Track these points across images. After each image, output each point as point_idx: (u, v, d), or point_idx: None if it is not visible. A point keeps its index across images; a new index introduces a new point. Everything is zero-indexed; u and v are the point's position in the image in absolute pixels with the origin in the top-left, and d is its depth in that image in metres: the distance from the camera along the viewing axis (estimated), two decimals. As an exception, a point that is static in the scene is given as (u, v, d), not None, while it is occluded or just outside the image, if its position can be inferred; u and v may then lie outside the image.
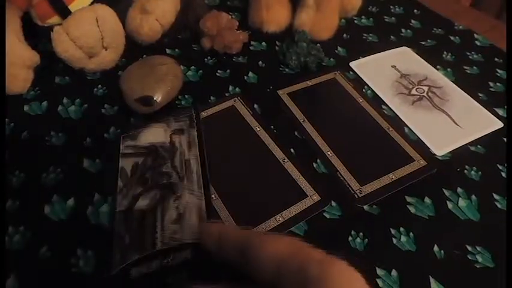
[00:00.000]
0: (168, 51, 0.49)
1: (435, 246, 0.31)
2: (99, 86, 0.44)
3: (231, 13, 0.53)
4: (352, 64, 0.48)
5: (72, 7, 0.44)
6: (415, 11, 0.58)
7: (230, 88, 0.44)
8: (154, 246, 0.28)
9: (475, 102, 0.44)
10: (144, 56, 0.46)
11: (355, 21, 0.56)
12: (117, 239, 0.30)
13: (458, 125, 0.41)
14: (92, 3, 0.45)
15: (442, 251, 0.31)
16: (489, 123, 0.41)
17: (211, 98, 0.43)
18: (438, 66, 0.48)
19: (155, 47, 0.49)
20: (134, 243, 0.29)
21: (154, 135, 0.36)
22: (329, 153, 0.37)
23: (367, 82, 0.46)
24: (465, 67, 0.48)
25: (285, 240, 0.22)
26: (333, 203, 0.34)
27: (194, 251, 0.29)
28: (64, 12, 0.44)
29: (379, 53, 0.50)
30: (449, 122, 0.41)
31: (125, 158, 0.35)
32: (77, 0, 0.45)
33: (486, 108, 0.43)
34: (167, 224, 0.30)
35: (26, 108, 0.41)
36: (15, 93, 0.42)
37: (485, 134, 0.40)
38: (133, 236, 0.29)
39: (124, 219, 0.31)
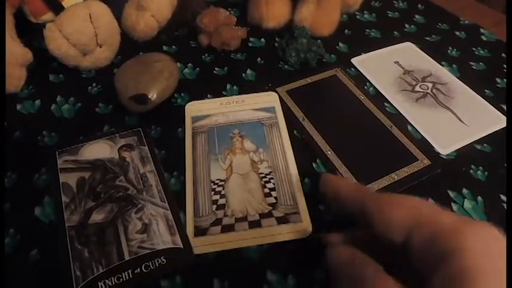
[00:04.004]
0: (164, 48, 0.48)
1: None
2: (94, 84, 0.43)
3: (229, 9, 0.52)
4: (354, 60, 0.47)
5: (65, 3, 0.43)
6: (419, 5, 0.56)
7: (228, 86, 0.43)
8: (122, 258, 0.28)
9: (481, 99, 0.42)
10: (141, 53, 0.45)
11: (357, 17, 0.54)
12: (73, 255, 0.29)
13: (463, 123, 0.39)
14: (86, -1, 0.44)
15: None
16: (496, 120, 0.40)
17: (208, 96, 0.42)
18: (443, 62, 0.47)
19: (152, 43, 0.48)
20: (95, 257, 0.28)
21: (99, 150, 0.36)
22: (329, 152, 0.36)
23: (369, 79, 0.44)
24: (471, 63, 0.47)
25: (407, 205, 0.22)
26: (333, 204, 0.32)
27: (168, 256, 0.28)
28: (57, 9, 0.43)
29: (381, 49, 0.48)
30: (454, 119, 0.40)
31: (65, 173, 0.34)
32: (71, -4, 0.44)
33: (493, 105, 0.41)
34: (132, 234, 0.29)
35: (18, 107, 0.40)
36: (8, 92, 0.41)
37: (492, 131, 0.39)
38: (93, 249, 0.29)
39: (77, 234, 0.30)
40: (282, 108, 0.40)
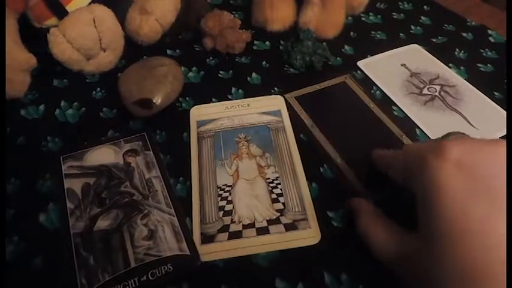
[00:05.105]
0: (169, 52, 0.48)
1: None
2: (98, 88, 0.43)
3: (233, 12, 0.51)
4: (360, 63, 0.46)
5: (69, 8, 0.43)
6: (425, 7, 0.56)
7: (233, 90, 0.43)
8: (128, 265, 0.28)
9: (491, 101, 0.41)
10: (145, 57, 0.45)
11: (363, 19, 0.54)
12: (79, 262, 0.28)
13: (473, 126, 0.39)
14: (90, 3, 0.43)
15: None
16: (506, 123, 0.39)
17: (213, 99, 0.41)
18: (450, 65, 0.46)
19: (156, 47, 0.48)
20: (101, 264, 0.28)
21: (104, 156, 0.35)
22: (338, 160, 0.35)
23: (375, 82, 0.44)
24: (479, 65, 0.46)
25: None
26: (342, 210, 0.32)
27: (175, 263, 0.28)
28: (61, 14, 0.43)
29: (388, 51, 0.48)
30: (463, 122, 0.39)
31: (70, 179, 0.33)
32: (74, 0, 0.43)
33: (502, 108, 0.41)
34: (138, 241, 0.29)
35: (22, 112, 0.40)
36: (12, 97, 0.41)
37: (502, 134, 0.38)
38: (99, 257, 0.28)
39: (83, 242, 0.29)
40: (288, 112, 0.40)
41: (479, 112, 0.40)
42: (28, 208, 0.32)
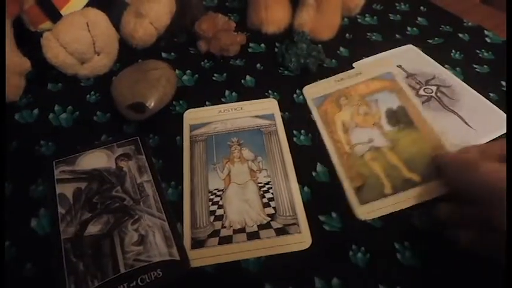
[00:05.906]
0: (163, 55, 0.48)
1: (443, 261, 0.29)
2: (92, 92, 0.43)
3: (229, 14, 0.51)
4: (356, 65, 0.46)
5: (64, 11, 0.43)
6: (422, 7, 0.55)
7: (227, 93, 0.42)
8: (117, 271, 0.28)
9: (487, 101, 0.41)
10: (139, 60, 0.45)
11: (359, 20, 0.53)
12: (68, 268, 0.28)
13: (470, 126, 0.38)
14: (85, 7, 0.44)
15: (450, 267, 0.28)
16: (502, 123, 0.39)
17: (207, 103, 0.41)
18: (446, 66, 0.45)
19: (150, 51, 0.48)
20: (91, 270, 0.28)
21: (96, 160, 0.35)
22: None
23: (371, 83, 0.43)
24: (475, 66, 0.46)
25: None
26: (333, 214, 0.31)
27: (164, 269, 0.28)
28: (56, 17, 0.43)
29: (383, 52, 0.47)
30: (460, 123, 0.39)
31: (62, 184, 0.33)
32: (69, 4, 0.43)
33: (498, 107, 0.40)
34: (128, 246, 0.29)
35: (16, 116, 0.40)
36: (6, 101, 0.41)
37: (500, 134, 0.38)
38: (89, 263, 0.28)
39: (73, 247, 0.29)
40: (281, 115, 0.39)
41: (476, 112, 0.40)
42: (20, 213, 0.32)
